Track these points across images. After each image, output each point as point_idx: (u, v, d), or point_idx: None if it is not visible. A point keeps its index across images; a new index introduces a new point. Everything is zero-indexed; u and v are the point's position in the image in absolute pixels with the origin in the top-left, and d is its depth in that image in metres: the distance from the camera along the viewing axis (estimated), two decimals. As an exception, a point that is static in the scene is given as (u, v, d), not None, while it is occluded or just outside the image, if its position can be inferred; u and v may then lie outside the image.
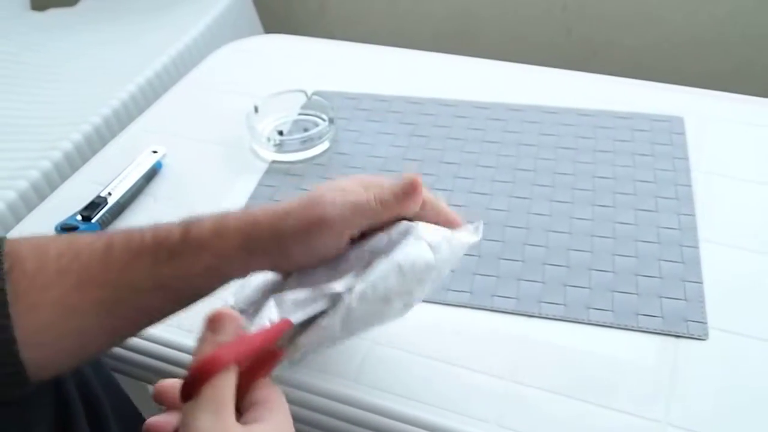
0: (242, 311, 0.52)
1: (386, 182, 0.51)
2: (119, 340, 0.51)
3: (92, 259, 0.46)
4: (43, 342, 0.45)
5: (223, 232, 0.47)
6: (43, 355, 0.45)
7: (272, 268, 0.51)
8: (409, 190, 0.50)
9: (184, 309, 0.50)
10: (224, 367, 0.37)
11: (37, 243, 0.48)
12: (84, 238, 0.48)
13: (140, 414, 0.67)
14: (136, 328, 0.50)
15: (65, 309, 0.45)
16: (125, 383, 0.66)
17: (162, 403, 0.43)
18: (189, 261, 0.47)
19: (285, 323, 0.46)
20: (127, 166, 0.81)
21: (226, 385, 0.37)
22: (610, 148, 0.82)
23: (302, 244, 0.48)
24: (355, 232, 0.50)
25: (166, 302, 0.49)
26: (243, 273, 0.50)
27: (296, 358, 0.49)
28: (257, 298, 0.52)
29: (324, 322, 0.48)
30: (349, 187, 0.50)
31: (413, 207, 0.51)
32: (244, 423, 0.38)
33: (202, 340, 0.40)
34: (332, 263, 0.50)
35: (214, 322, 0.41)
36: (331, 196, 0.48)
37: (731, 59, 1.47)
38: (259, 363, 0.41)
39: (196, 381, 0.36)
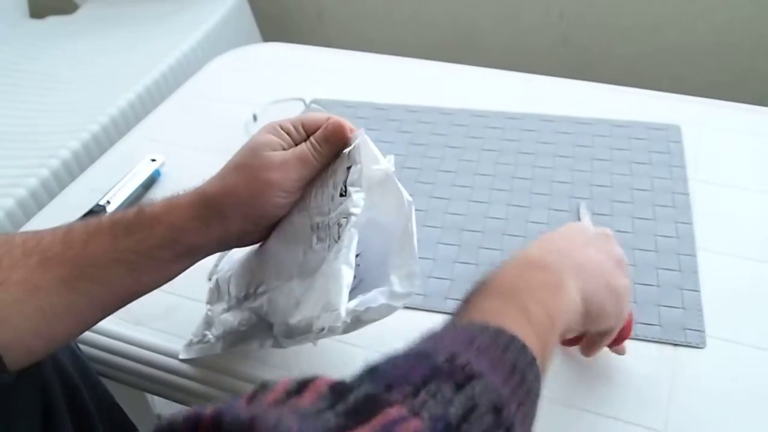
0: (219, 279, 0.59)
1: (296, 124, 0.53)
2: (86, 322, 0.52)
3: (53, 242, 0.49)
4: (12, 320, 0.46)
5: (175, 206, 0.50)
6: (14, 335, 0.47)
7: (227, 233, 0.52)
8: (337, 136, 0.52)
9: (147, 286, 0.52)
10: None
11: (5, 234, 0.51)
12: (47, 228, 0.51)
13: (128, 418, 0.67)
14: (101, 307, 0.51)
15: (29, 286, 0.47)
16: (115, 389, 0.66)
17: None
18: (144, 234, 0.49)
19: None
20: (125, 175, 0.81)
21: None
22: (607, 157, 0.82)
23: (254, 207, 0.51)
24: (300, 184, 0.52)
25: (127, 277, 0.50)
26: (201, 240, 0.52)
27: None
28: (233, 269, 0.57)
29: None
30: (275, 140, 0.51)
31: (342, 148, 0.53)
32: None
33: None
34: (282, 234, 0.54)
35: None
36: (271, 158, 0.50)
37: (728, 68, 1.48)
38: None
39: None
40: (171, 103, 1.01)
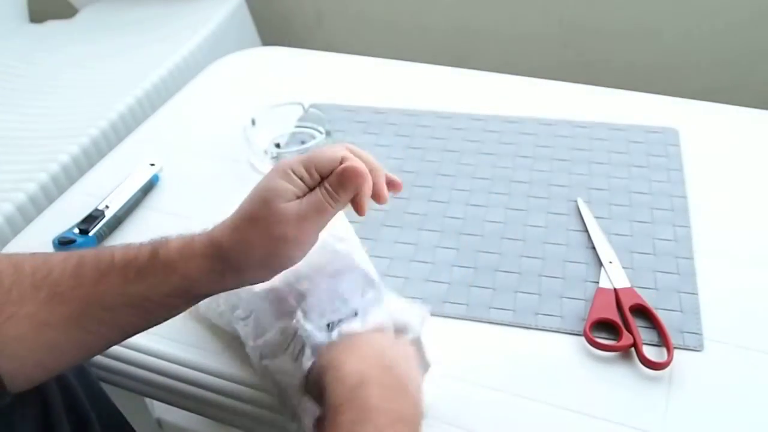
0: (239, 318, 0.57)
1: (309, 167, 0.49)
2: (92, 354, 0.53)
3: (63, 275, 0.48)
4: (17, 354, 0.46)
5: (189, 255, 0.48)
6: (17, 366, 0.47)
7: (241, 283, 0.51)
8: (353, 181, 0.49)
9: (155, 324, 0.51)
10: None
11: (15, 259, 0.49)
12: (57, 256, 0.50)
13: (128, 424, 0.67)
14: (107, 343, 0.51)
15: (37, 322, 0.47)
16: (115, 394, 0.66)
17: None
18: (157, 281, 0.48)
19: None
20: (124, 179, 0.81)
21: None
22: (605, 160, 0.82)
23: (270, 261, 0.49)
24: (316, 235, 0.50)
25: (137, 318, 0.50)
26: (214, 290, 0.51)
27: None
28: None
29: None
30: (289, 188, 0.49)
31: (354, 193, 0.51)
32: None
33: None
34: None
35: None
36: (286, 212, 0.48)
37: (727, 72, 1.48)
38: None
39: None
40: (170, 107, 1.01)
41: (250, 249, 0.48)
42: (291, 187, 0.48)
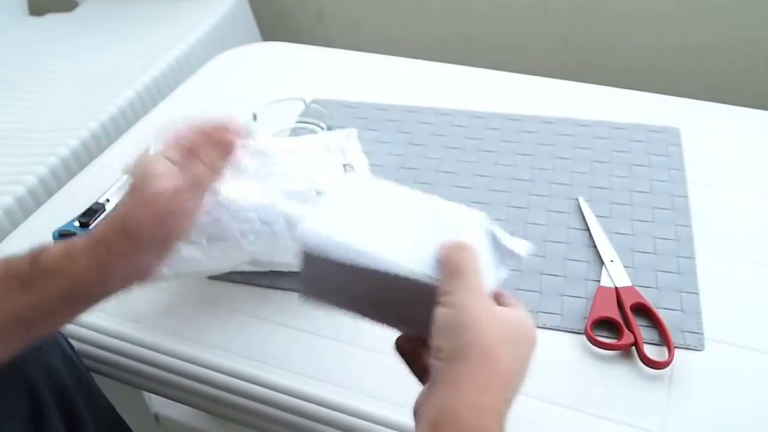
0: None
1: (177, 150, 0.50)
2: None
3: None
4: None
5: (74, 254, 0.47)
6: None
7: (130, 277, 0.50)
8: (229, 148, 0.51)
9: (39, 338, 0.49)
10: None
11: None
12: None
13: (121, 419, 0.67)
14: None
15: None
16: (111, 387, 0.66)
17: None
18: (42, 288, 0.46)
19: None
20: (124, 174, 0.81)
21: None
22: (606, 159, 0.82)
23: (155, 240, 0.48)
24: (200, 204, 0.51)
25: (24, 337, 0.48)
26: (101, 291, 0.49)
27: None
28: None
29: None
30: (168, 170, 0.49)
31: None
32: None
33: None
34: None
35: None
36: (159, 186, 0.48)
37: (728, 71, 1.48)
38: None
39: None
40: (170, 101, 1.01)
41: (136, 223, 0.47)
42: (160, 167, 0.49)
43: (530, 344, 0.41)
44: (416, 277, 0.42)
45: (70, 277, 0.47)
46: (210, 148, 0.51)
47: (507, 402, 0.39)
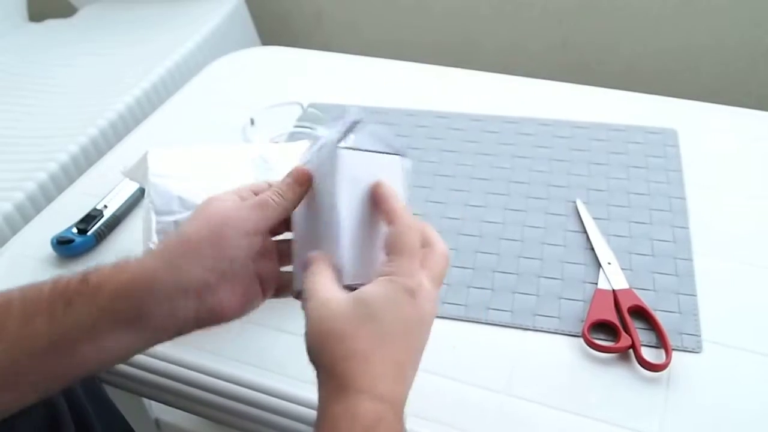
0: None
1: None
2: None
3: None
4: None
5: (123, 266, 0.45)
6: None
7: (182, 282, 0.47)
8: (302, 180, 0.51)
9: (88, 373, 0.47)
10: None
11: None
12: None
13: (128, 425, 0.67)
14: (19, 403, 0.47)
15: None
16: (113, 394, 0.66)
17: None
18: (86, 304, 0.44)
19: None
20: (123, 179, 0.81)
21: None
22: (604, 161, 0.82)
23: (214, 250, 0.46)
24: (262, 225, 0.49)
25: (64, 366, 0.45)
26: (149, 311, 0.45)
27: None
28: None
29: None
30: (231, 196, 0.50)
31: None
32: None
33: None
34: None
35: None
36: (225, 203, 0.49)
37: (726, 72, 1.48)
38: None
39: None
40: (169, 106, 1.01)
41: (194, 238, 0.46)
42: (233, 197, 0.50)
43: (392, 311, 0.44)
44: None
45: (115, 288, 0.44)
46: (282, 182, 0.51)
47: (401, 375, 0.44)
